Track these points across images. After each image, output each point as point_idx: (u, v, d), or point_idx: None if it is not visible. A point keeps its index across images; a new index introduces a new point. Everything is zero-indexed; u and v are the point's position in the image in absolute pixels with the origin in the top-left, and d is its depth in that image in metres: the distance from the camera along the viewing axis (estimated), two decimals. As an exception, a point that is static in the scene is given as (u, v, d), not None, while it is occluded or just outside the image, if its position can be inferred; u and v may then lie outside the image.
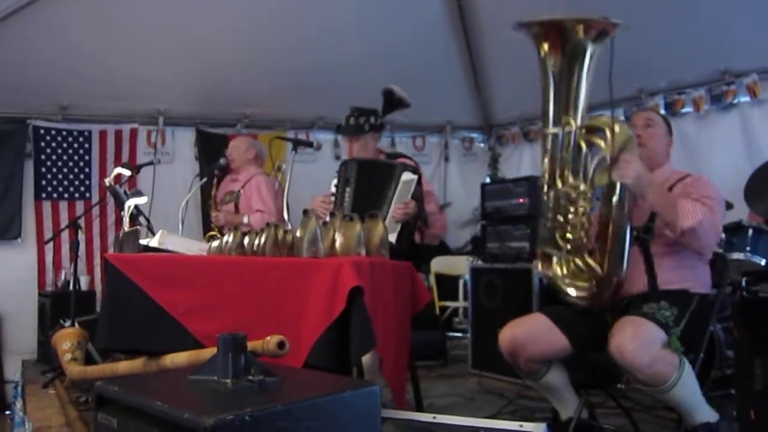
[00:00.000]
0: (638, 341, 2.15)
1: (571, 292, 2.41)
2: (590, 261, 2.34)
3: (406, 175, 3.25)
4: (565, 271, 2.41)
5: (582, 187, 2.30)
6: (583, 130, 2.33)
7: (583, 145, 2.32)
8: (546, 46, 2.36)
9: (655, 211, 2.38)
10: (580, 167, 2.32)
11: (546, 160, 2.40)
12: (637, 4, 4.30)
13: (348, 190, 3.29)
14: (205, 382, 1.59)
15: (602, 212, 2.34)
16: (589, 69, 2.34)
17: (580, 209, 2.30)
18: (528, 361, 2.47)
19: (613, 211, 2.31)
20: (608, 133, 2.25)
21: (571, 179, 2.32)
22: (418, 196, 3.28)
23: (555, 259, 2.43)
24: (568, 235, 2.35)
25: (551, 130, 2.37)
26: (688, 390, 2.22)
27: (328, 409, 1.45)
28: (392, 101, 3.53)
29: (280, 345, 1.79)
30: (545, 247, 2.44)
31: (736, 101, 4.47)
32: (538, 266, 2.50)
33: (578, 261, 2.37)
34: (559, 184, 2.34)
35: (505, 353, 2.52)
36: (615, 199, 2.30)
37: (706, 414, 2.28)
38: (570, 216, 2.32)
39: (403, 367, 2.78)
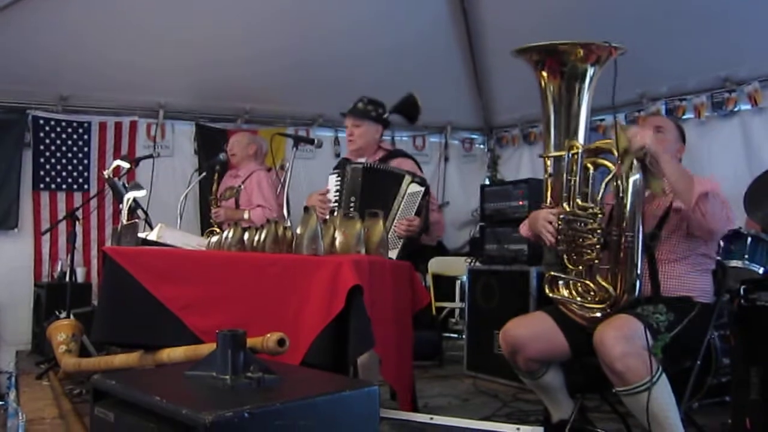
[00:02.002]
0: (620, 332, 2.14)
1: (584, 314, 2.37)
2: (603, 282, 2.32)
3: (413, 187, 3.16)
4: (574, 293, 2.39)
5: (592, 208, 2.28)
6: (588, 153, 2.33)
7: (590, 167, 2.31)
8: (545, 71, 2.37)
9: (669, 182, 2.28)
10: (588, 189, 2.31)
11: (548, 184, 2.40)
12: (640, 10, 4.32)
13: (353, 198, 3.21)
14: (203, 378, 1.58)
15: (613, 231, 2.30)
16: (590, 91, 2.35)
17: (591, 230, 2.27)
18: (528, 360, 2.46)
19: (624, 229, 2.28)
20: (615, 136, 2.22)
21: (579, 201, 2.30)
22: (423, 207, 3.18)
23: (561, 282, 2.41)
24: (579, 257, 2.33)
25: (553, 153, 2.38)
26: (662, 401, 2.13)
27: (327, 408, 1.45)
28: (407, 106, 3.49)
29: (280, 342, 1.79)
30: (553, 270, 2.42)
31: (737, 109, 4.47)
32: (545, 290, 2.46)
33: (590, 283, 2.35)
34: (567, 207, 2.33)
35: (506, 351, 2.51)
36: (626, 217, 2.27)
37: None
38: (581, 238, 2.30)
39: (407, 367, 2.75)
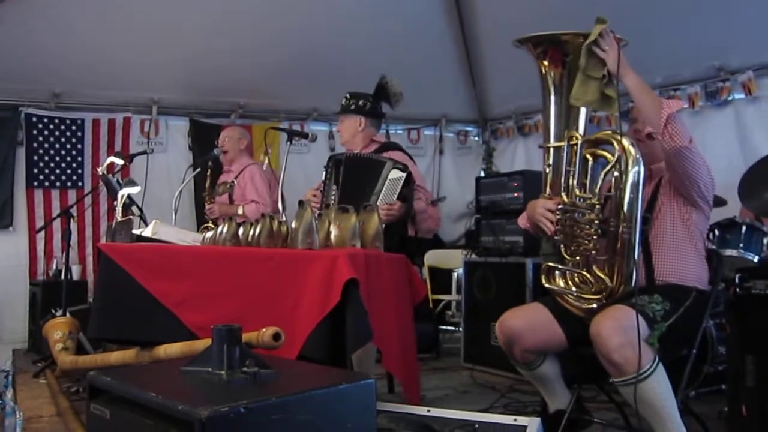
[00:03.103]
0: (617, 323, 2.13)
1: (580, 304, 2.36)
2: (600, 273, 2.31)
3: (394, 173, 3.17)
4: (571, 284, 2.39)
5: (590, 198, 2.28)
6: (588, 144, 2.33)
7: (590, 158, 2.31)
8: (546, 61, 2.37)
9: (635, 103, 2.28)
10: (587, 180, 2.31)
11: (548, 174, 2.40)
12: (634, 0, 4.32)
13: (335, 186, 3.24)
14: (199, 374, 1.58)
15: (610, 222, 2.29)
16: None
17: (589, 221, 2.27)
18: (524, 351, 2.46)
19: (621, 220, 2.27)
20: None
21: (577, 192, 2.30)
22: (407, 194, 3.18)
23: (558, 273, 2.41)
24: (576, 248, 2.32)
25: (553, 144, 2.38)
26: (659, 390, 2.12)
27: (323, 401, 1.45)
28: (380, 92, 3.54)
29: (276, 337, 1.79)
30: (550, 261, 2.43)
31: (731, 98, 4.48)
32: (542, 281, 2.45)
33: (586, 274, 2.34)
34: (565, 198, 2.33)
35: (502, 342, 2.51)
36: (624, 208, 2.25)
37: None
38: (578, 228, 2.29)
39: (412, 359, 2.73)
